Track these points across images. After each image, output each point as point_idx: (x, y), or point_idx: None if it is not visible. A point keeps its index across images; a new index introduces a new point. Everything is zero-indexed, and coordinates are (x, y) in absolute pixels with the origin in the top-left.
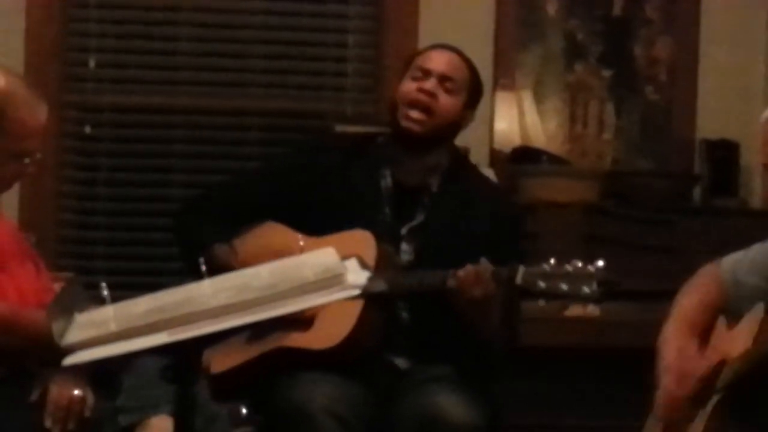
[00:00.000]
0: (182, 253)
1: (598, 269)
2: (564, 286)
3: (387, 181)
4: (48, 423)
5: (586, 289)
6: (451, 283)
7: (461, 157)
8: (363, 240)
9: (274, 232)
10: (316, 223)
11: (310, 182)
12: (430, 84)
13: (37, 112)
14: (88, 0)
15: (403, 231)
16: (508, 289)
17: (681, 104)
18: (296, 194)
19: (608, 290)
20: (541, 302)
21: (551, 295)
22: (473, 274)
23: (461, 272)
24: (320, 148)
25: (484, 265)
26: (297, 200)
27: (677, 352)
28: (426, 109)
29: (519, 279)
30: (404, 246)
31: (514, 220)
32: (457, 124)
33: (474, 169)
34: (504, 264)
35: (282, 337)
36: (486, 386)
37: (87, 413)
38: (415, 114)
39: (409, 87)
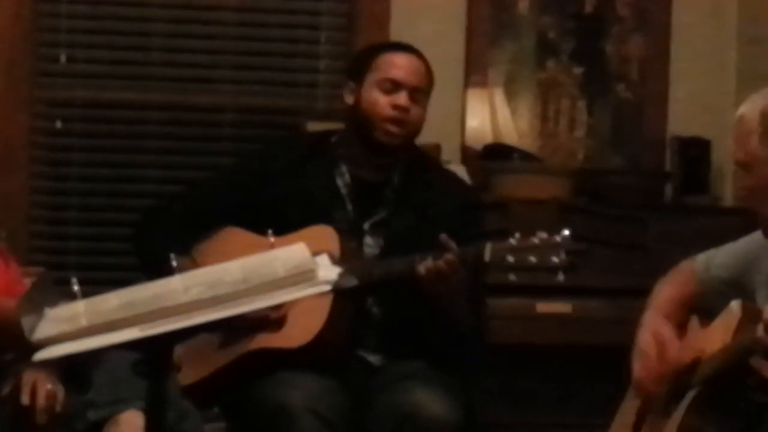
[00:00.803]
0: (142, 264)
1: (564, 238)
2: (533, 258)
3: (345, 178)
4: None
5: (554, 259)
6: (420, 269)
7: (417, 149)
8: (325, 235)
9: (235, 236)
10: (274, 224)
11: (265, 185)
12: (403, 99)
13: None
14: None
15: (366, 226)
16: (478, 269)
17: (652, 102)
18: (252, 198)
19: (576, 257)
20: (512, 276)
21: (521, 268)
22: (443, 266)
23: (428, 258)
24: (273, 150)
25: (451, 248)
26: (253, 204)
27: (651, 335)
28: (401, 123)
29: (487, 256)
30: (368, 240)
31: (475, 204)
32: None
33: (431, 160)
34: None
35: (253, 340)
36: (460, 380)
37: (58, 408)
38: (392, 129)
39: (381, 102)
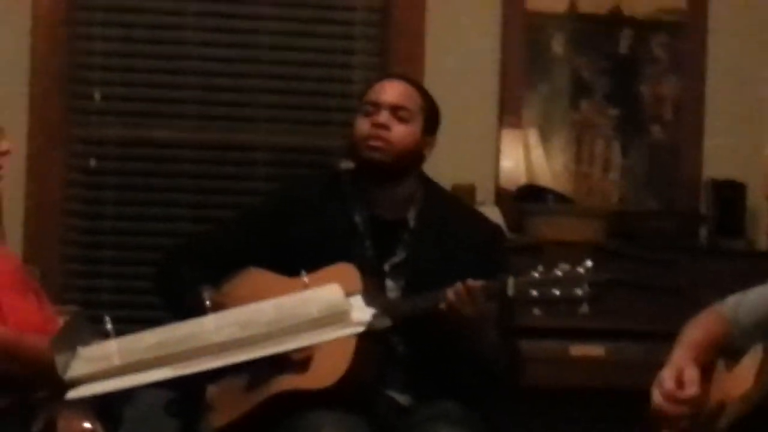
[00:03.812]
0: (166, 303)
1: (587, 270)
2: (556, 291)
3: (362, 216)
4: None
5: (578, 291)
6: (443, 305)
7: (433, 185)
8: (347, 273)
9: (262, 277)
10: (296, 265)
11: (286, 225)
12: (382, 117)
13: None
14: (93, 33)
15: (386, 267)
16: (502, 303)
17: (687, 143)
18: (273, 238)
19: (600, 289)
20: (536, 310)
21: (545, 301)
22: (463, 291)
23: (450, 291)
24: (294, 190)
25: (474, 281)
26: (273, 245)
27: (674, 371)
28: (379, 138)
29: (510, 290)
30: (389, 283)
31: (495, 238)
32: (419, 152)
33: (448, 195)
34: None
35: (280, 382)
36: (490, 421)
37: None
38: (373, 143)
39: (363, 123)
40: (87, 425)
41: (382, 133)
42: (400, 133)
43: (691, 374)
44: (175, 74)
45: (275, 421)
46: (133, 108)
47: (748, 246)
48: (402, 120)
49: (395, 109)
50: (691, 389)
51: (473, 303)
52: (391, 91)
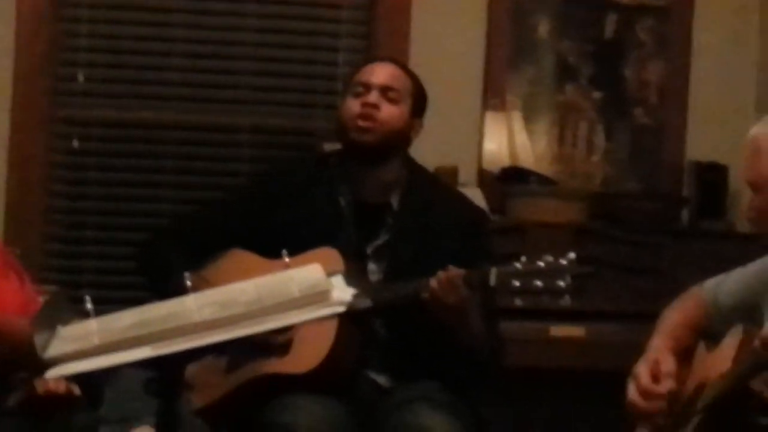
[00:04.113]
0: (150, 283)
1: (570, 261)
2: (539, 283)
3: (347, 199)
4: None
5: (560, 283)
6: (425, 292)
7: (419, 168)
8: (330, 257)
9: (245, 258)
10: (280, 247)
11: (272, 208)
12: (372, 97)
13: None
14: (77, 13)
15: (368, 250)
16: (484, 293)
17: (671, 127)
18: (259, 221)
19: (582, 281)
20: (518, 301)
21: (527, 292)
22: (445, 281)
23: (433, 281)
24: (280, 172)
25: (455, 270)
26: (260, 227)
27: (649, 364)
28: (371, 118)
29: (493, 280)
30: (371, 266)
31: (480, 224)
32: (406, 134)
33: (433, 178)
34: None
35: (260, 365)
36: (471, 403)
37: (76, 392)
38: (361, 123)
39: (352, 103)
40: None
41: (372, 112)
42: (389, 113)
43: (667, 368)
44: (160, 55)
45: (255, 403)
46: (117, 89)
47: (730, 228)
48: (391, 101)
49: (385, 90)
50: (666, 384)
51: (455, 292)
52: (382, 72)
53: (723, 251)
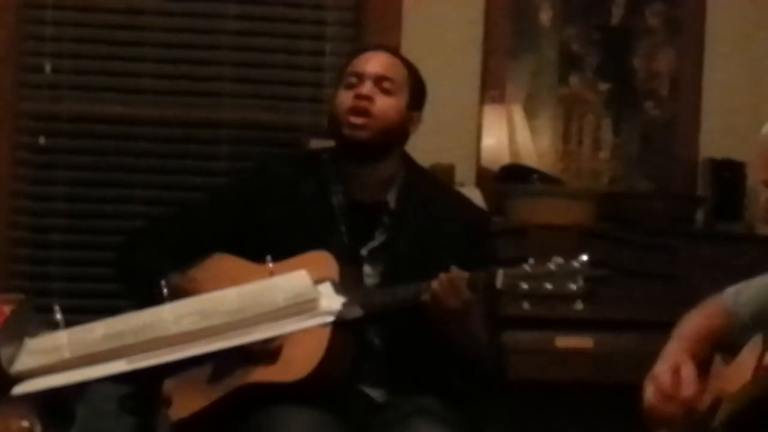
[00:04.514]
0: (127, 290)
1: (582, 264)
2: (548, 286)
3: (339, 198)
4: None
5: (572, 286)
6: (425, 295)
7: (416, 166)
8: (323, 261)
9: (229, 263)
10: (267, 250)
11: (257, 208)
12: (366, 88)
13: None
14: (44, 1)
15: (363, 252)
16: (489, 297)
17: (683, 121)
18: (244, 222)
19: (596, 285)
20: (526, 305)
21: (535, 296)
22: (447, 283)
23: (434, 282)
24: (265, 170)
25: (458, 272)
26: (245, 228)
27: (670, 368)
28: (365, 113)
29: (499, 283)
30: (367, 269)
31: (482, 225)
32: (404, 127)
33: (431, 177)
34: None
35: (248, 373)
36: (470, 418)
37: None
38: (355, 119)
39: (345, 95)
40: (24, 423)
41: (366, 105)
42: (384, 105)
43: (689, 372)
44: (133, 45)
45: (240, 415)
46: (87, 81)
47: (748, 229)
48: (386, 92)
49: (379, 80)
50: (689, 389)
51: (458, 295)
52: (376, 61)
53: (741, 254)
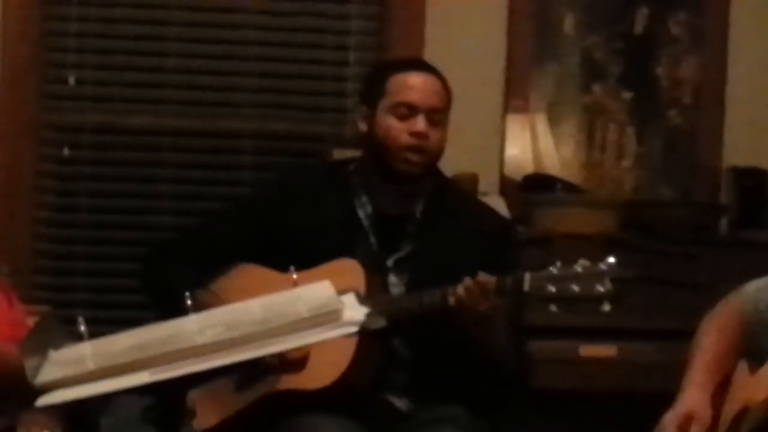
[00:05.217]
0: (152, 302)
1: (609, 266)
2: (576, 288)
3: (366, 209)
4: None
5: (599, 288)
6: (452, 300)
7: (441, 177)
8: (350, 269)
9: (253, 273)
10: (293, 260)
11: (282, 218)
12: (420, 124)
13: None
14: (67, 13)
15: (389, 263)
16: (515, 300)
17: (707, 129)
18: (269, 232)
19: (623, 286)
20: (553, 308)
21: (563, 298)
22: (474, 287)
23: (459, 287)
24: (290, 180)
25: (485, 276)
26: (270, 238)
27: (682, 417)
28: (421, 151)
29: (527, 286)
30: (392, 278)
31: (507, 233)
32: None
33: (456, 187)
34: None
35: (273, 381)
36: (495, 425)
37: None
38: (413, 157)
39: (397, 129)
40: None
41: (422, 144)
42: (437, 139)
43: (702, 421)
44: (156, 56)
45: (267, 423)
46: (110, 93)
47: None
48: (437, 124)
49: (432, 113)
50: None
51: (485, 299)
52: (426, 89)
53: (765, 263)
